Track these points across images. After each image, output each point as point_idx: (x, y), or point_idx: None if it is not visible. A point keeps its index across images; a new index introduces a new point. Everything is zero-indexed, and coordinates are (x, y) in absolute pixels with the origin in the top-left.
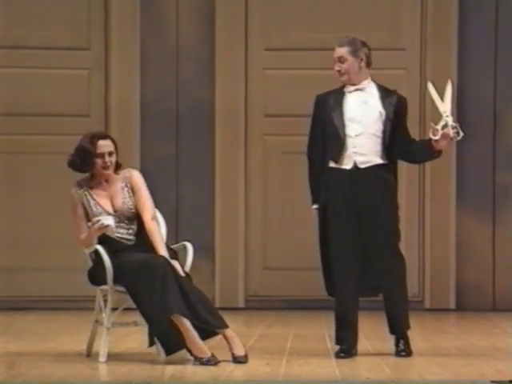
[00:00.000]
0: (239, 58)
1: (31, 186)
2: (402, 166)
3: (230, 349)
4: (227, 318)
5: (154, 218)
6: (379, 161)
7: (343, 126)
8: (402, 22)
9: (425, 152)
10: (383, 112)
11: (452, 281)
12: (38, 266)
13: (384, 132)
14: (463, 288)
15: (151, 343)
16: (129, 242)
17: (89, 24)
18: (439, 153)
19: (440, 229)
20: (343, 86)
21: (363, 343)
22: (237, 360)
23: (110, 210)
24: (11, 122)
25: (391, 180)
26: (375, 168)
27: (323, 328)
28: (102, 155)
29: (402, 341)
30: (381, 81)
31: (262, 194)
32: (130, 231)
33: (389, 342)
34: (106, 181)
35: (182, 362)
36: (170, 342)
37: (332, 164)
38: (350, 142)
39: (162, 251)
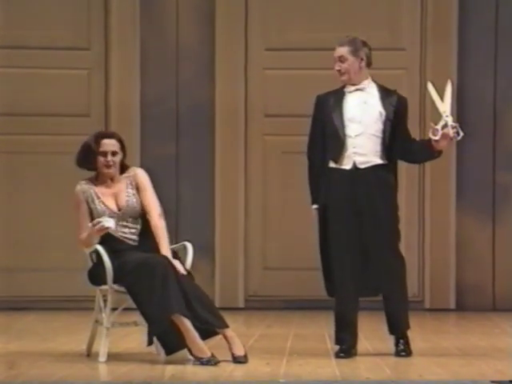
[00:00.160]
0: (239, 57)
1: (31, 185)
2: (402, 166)
3: (230, 349)
4: (227, 318)
5: (162, 215)
6: (379, 161)
7: (343, 126)
8: (402, 21)
9: (425, 152)
10: (383, 112)
11: (452, 281)
12: (38, 266)
13: (384, 132)
14: (463, 288)
15: (150, 342)
16: (132, 242)
17: (89, 24)
18: (439, 153)
19: (440, 229)
20: (343, 86)
21: (363, 343)
22: (237, 360)
23: (115, 208)
24: (11, 121)
25: (391, 180)
26: (375, 168)
27: (323, 328)
28: (104, 154)
29: (401, 341)
30: (381, 81)
31: (262, 194)
32: (134, 231)
33: (389, 342)
34: (111, 179)
35: (182, 361)
36: (170, 341)
37: (332, 164)
38: (349, 142)
39: (165, 249)
